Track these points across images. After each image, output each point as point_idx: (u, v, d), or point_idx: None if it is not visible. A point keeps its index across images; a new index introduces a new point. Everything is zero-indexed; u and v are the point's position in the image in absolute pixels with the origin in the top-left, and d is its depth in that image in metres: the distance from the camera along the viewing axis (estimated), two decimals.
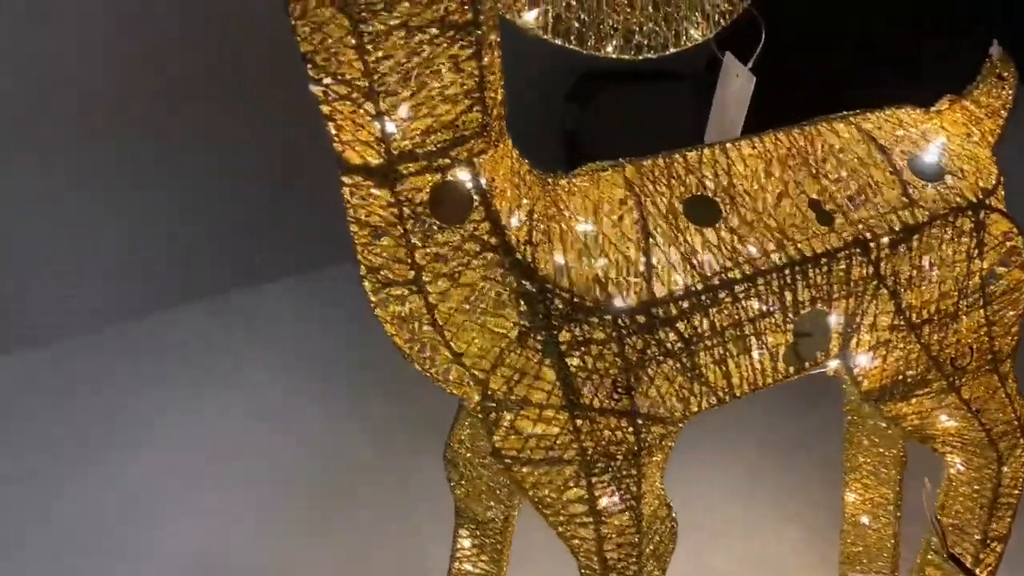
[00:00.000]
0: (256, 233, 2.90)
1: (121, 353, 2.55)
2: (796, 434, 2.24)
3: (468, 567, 1.46)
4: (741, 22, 1.35)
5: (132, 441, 2.25)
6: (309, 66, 0.98)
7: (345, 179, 1.02)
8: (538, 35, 1.20)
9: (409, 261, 1.02)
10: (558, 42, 1.22)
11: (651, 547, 1.17)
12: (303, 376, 2.46)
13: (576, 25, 1.21)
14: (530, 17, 1.18)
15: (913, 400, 1.23)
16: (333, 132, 1.01)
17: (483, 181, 1.01)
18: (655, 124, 2.12)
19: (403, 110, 0.96)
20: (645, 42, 1.26)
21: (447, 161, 0.99)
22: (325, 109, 1.00)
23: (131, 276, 2.77)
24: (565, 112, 3.20)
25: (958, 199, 1.17)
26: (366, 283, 1.07)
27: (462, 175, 1.00)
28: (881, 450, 1.54)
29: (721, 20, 1.32)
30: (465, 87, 0.98)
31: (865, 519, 1.61)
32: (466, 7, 0.95)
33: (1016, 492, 1.36)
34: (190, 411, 2.35)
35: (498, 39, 1.03)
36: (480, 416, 1.11)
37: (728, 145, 1.19)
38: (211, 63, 2.67)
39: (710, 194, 1.14)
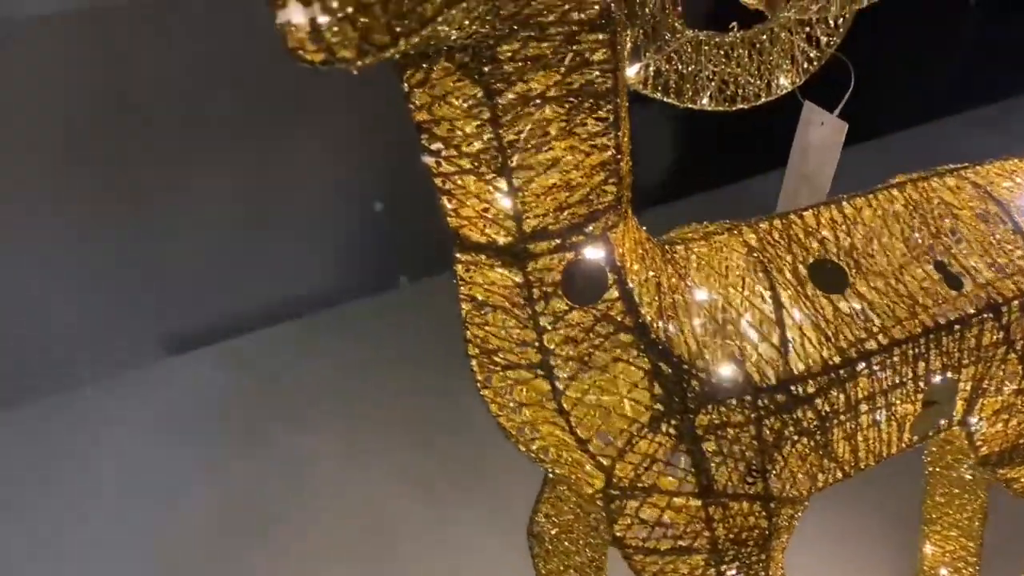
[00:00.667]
0: (267, 277, 2.80)
1: (132, 402, 2.40)
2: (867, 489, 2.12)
3: None
4: (829, 67, 1.30)
5: (161, 497, 2.10)
6: (424, 136, 0.89)
7: (461, 256, 0.94)
8: (637, 89, 1.13)
9: (537, 344, 0.93)
10: (656, 96, 1.16)
11: None
12: (329, 428, 2.33)
13: (675, 78, 1.15)
14: (631, 72, 1.11)
15: None
16: (450, 207, 0.92)
17: (616, 257, 0.93)
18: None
19: (536, 185, 0.88)
20: (739, 93, 1.20)
21: (581, 238, 0.91)
22: (439, 182, 0.91)
23: (139, 326, 2.63)
24: None
25: None
26: (474, 363, 0.99)
27: (596, 252, 0.92)
28: (963, 502, 1.49)
29: (810, 66, 1.26)
30: (601, 159, 0.90)
31: (944, 571, 1.56)
32: (608, 75, 0.87)
33: None
34: (215, 468, 2.20)
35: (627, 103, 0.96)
36: (600, 503, 1.03)
37: (844, 204, 1.13)
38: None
39: (834, 258, 1.08)
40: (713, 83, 1.19)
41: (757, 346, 1.00)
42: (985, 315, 1.08)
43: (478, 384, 1.01)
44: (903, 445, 1.12)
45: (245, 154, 2.64)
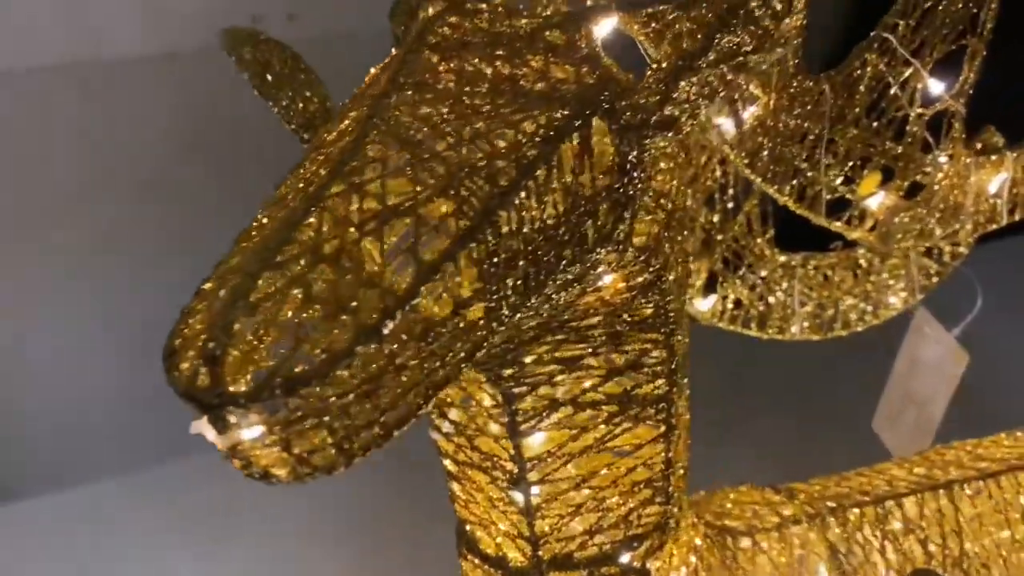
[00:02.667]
0: None
1: (133, 500, 2.28)
2: None
3: None
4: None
5: None
6: (434, 414, 0.73)
7: (468, 558, 0.76)
8: (708, 323, 0.94)
9: None
10: (733, 328, 0.96)
11: None
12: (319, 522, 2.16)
13: (760, 308, 0.95)
14: (704, 306, 0.92)
15: None
16: (459, 494, 0.75)
17: None
18: None
19: (560, 504, 0.71)
20: (839, 318, 1.00)
21: (614, 570, 0.72)
22: (448, 463, 0.74)
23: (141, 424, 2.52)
24: None
25: None
26: None
27: None
28: None
29: (929, 284, 1.05)
30: (647, 475, 0.72)
31: None
32: (660, 379, 0.69)
33: None
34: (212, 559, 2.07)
35: (688, 394, 0.76)
36: None
37: (956, 489, 0.92)
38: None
39: (939, 568, 0.87)
40: (807, 309, 0.99)
41: None
42: None
43: None
44: None
45: None
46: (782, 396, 2.03)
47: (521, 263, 0.52)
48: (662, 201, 0.64)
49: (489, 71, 0.56)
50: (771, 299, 0.95)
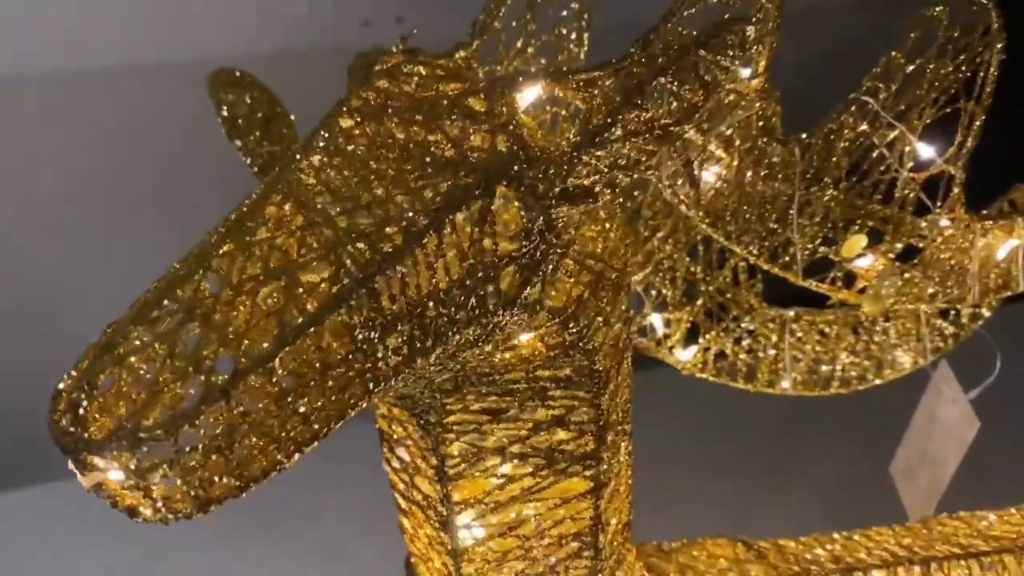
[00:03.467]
0: None
1: None
2: None
3: None
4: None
5: None
6: (383, 444, 0.76)
7: None
8: (691, 373, 0.94)
9: None
10: (719, 380, 0.95)
11: None
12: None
13: (746, 363, 0.94)
14: (685, 356, 0.91)
15: None
16: (407, 530, 0.78)
17: None
18: None
19: (486, 550, 0.72)
20: (837, 375, 0.97)
21: None
22: (397, 497, 0.77)
23: None
24: None
25: None
26: None
27: None
28: None
29: (944, 345, 1.01)
30: (575, 529, 0.73)
31: None
32: (587, 436, 0.69)
33: None
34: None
35: (628, 454, 0.77)
36: None
37: (932, 565, 0.88)
38: None
39: None
40: (801, 364, 0.97)
41: None
42: None
43: None
44: None
45: None
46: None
47: (403, 327, 0.54)
48: (588, 262, 0.65)
49: (403, 136, 0.58)
50: (760, 353, 0.94)
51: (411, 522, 0.77)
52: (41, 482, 2.09)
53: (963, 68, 0.77)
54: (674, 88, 0.59)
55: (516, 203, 0.58)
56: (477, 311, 0.57)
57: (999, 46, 0.77)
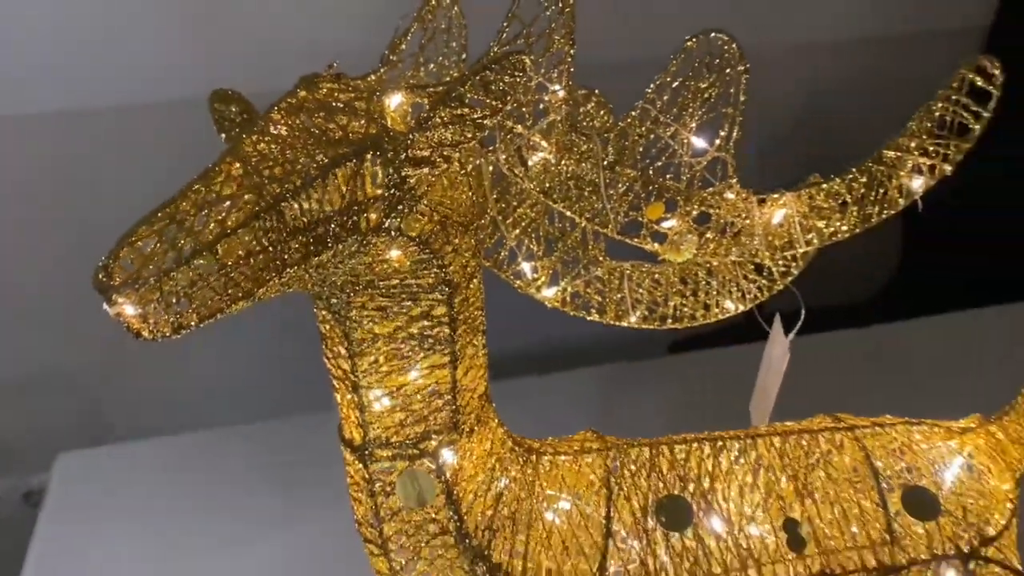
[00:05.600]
0: None
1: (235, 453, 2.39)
2: None
3: None
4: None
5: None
6: (322, 343, 1.12)
7: (341, 446, 1.15)
8: (557, 308, 1.28)
9: (378, 530, 1.13)
10: (579, 315, 1.30)
11: None
12: None
13: (597, 300, 1.28)
14: (549, 294, 1.26)
15: None
16: (337, 400, 1.14)
17: (449, 469, 1.10)
18: None
19: (378, 404, 1.08)
20: (670, 314, 1.31)
21: (416, 451, 1.09)
22: (331, 379, 1.13)
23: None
24: None
25: (947, 545, 1.13)
26: (359, 527, 1.19)
27: (428, 464, 1.10)
28: None
29: (760, 295, 1.34)
30: (438, 390, 1.08)
31: None
32: (444, 326, 1.05)
33: None
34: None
35: (482, 341, 1.12)
36: None
37: (719, 444, 1.21)
38: None
39: (688, 497, 1.17)
40: (642, 305, 1.31)
41: (576, 567, 1.13)
42: None
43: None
44: None
45: None
46: None
47: (301, 236, 0.91)
48: (438, 208, 1.01)
49: (310, 125, 0.96)
50: (608, 295, 1.28)
51: (338, 393, 1.13)
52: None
53: (717, 84, 1.12)
54: (478, 95, 0.95)
55: (379, 164, 0.94)
56: (352, 230, 0.94)
57: (741, 68, 1.11)
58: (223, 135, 1.10)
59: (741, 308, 1.33)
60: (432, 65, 1.14)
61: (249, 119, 1.11)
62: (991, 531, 1.13)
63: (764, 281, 1.33)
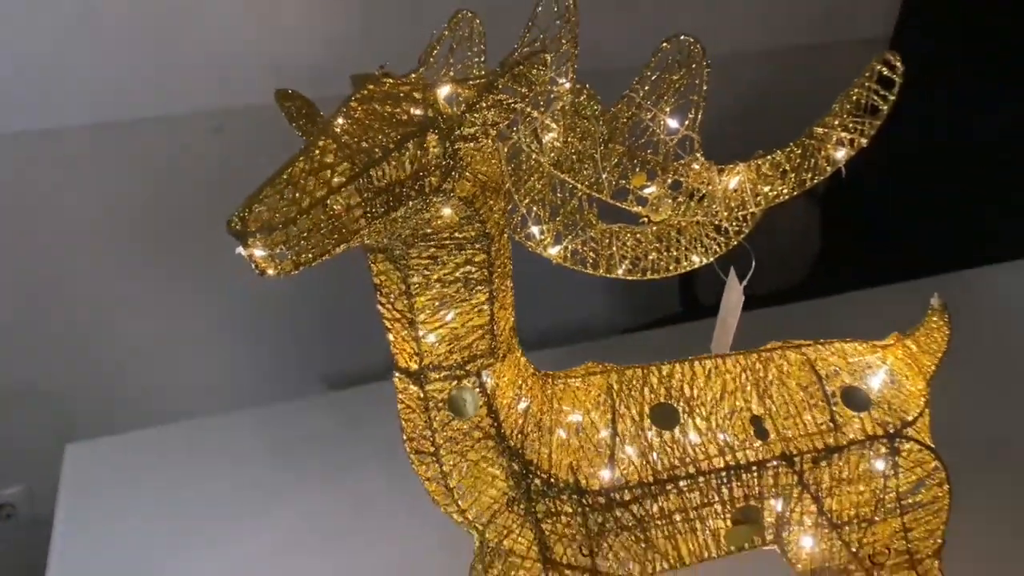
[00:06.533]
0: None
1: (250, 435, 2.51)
2: None
3: None
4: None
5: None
6: (377, 292, 1.38)
7: (395, 373, 1.41)
8: (559, 263, 1.57)
9: (432, 439, 1.39)
10: (577, 268, 1.59)
11: None
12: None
13: (591, 256, 1.57)
14: (553, 252, 1.55)
15: None
16: (390, 339, 1.40)
17: (488, 387, 1.37)
18: None
19: (432, 336, 1.35)
20: (650, 267, 1.60)
21: (463, 372, 1.36)
22: (385, 323, 1.39)
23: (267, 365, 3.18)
24: None
25: (877, 428, 1.44)
26: (405, 446, 1.45)
27: (473, 382, 1.37)
28: None
29: (719, 250, 1.64)
30: (480, 322, 1.35)
31: None
32: (483, 270, 1.32)
33: None
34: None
35: (510, 284, 1.40)
36: (477, 556, 1.46)
37: (697, 363, 1.51)
38: None
39: (673, 403, 1.46)
40: (627, 260, 1.60)
41: (591, 461, 1.41)
42: (780, 462, 1.42)
43: (411, 463, 1.48)
44: (722, 551, 1.48)
45: None
46: None
47: (384, 195, 1.17)
48: (479, 176, 1.29)
49: (381, 110, 1.23)
50: (600, 252, 1.57)
51: (391, 332, 1.39)
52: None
53: (686, 79, 1.42)
54: (511, 85, 1.23)
55: (438, 141, 1.22)
56: (420, 191, 1.21)
57: (704, 64, 1.42)
58: (293, 124, 1.36)
59: (704, 261, 1.64)
60: (460, 65, 1.42)
61: (311, 111, 1.37)
62: (910, 418, 1.45)
63: (722, 239, 1.64)
